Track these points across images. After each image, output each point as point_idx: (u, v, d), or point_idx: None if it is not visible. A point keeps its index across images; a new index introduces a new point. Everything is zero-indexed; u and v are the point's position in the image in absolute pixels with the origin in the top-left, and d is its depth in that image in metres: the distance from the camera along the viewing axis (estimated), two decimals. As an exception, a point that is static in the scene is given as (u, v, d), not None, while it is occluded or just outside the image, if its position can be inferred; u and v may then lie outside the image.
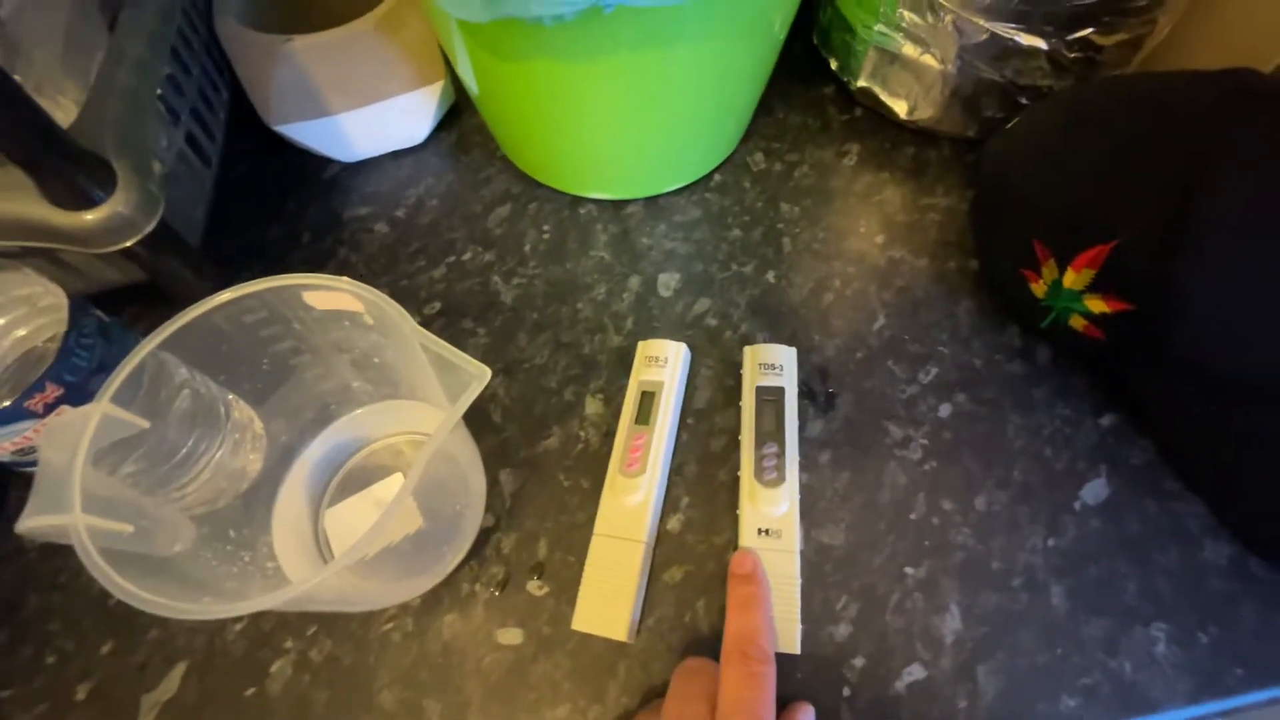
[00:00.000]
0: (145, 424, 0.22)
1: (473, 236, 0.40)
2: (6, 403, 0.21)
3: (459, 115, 0.45)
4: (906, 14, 0.35)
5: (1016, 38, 0.33)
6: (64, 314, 0.23)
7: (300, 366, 0.27)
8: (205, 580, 0.22)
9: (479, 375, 0.19)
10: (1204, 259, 0.26)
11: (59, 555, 0.31)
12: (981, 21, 0.33)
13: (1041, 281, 0.31)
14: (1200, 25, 0.37)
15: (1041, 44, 0.33)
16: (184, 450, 0.27)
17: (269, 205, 0.41)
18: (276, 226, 0.40)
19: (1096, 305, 0.30)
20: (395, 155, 0.43)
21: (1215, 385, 0.28)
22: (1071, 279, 0.30)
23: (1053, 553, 0.29)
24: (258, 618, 0.29)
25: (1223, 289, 0.26)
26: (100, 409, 0.20)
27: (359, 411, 0.31)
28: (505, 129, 0.39)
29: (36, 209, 0.24)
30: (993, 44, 0.34)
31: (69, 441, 0.19)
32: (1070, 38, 0.33)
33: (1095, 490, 0.31)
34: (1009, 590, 0.28)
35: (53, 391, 0.22)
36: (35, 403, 0.21)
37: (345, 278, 0.22)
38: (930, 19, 0.35)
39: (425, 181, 0.42)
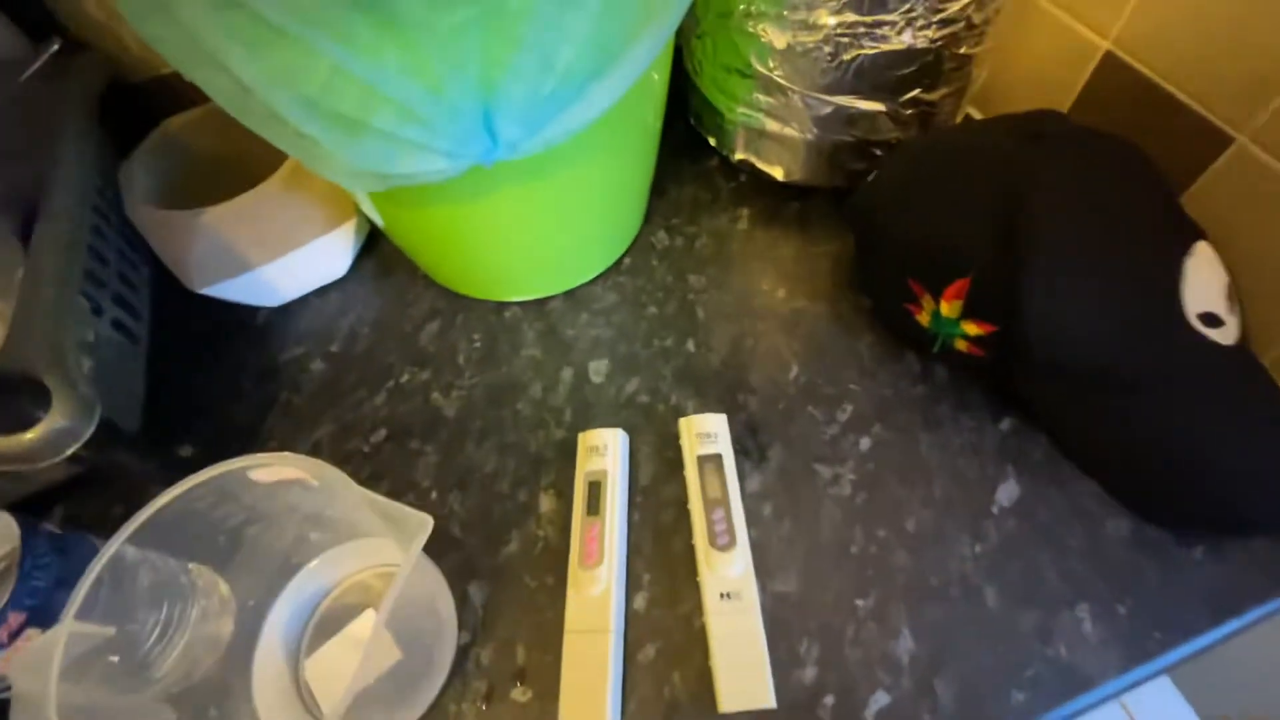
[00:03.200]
0: (111, 631, 0.23)
1: (408, 357, 0.42)
2: (-29, 639, 0.22)
3: (378, 240, 0.47)
4: (761, 97, 0.40)
5: (858, 105, 0.38)
6: (12, 541, 0.24)
7: (255, 534, 0.28)
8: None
9: (422, 526, 0.21)
10: (1036, 280, 0.30)
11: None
12: (824, 96, 0.38)
13: (924, 313, 0.35)
14: (1010, 71, 0.43)
15: (880, 107, 0.38)
16: (156, 626, 0.28)
17: (205, 362, 0.42)
18: (215, 381, 0.41)
19: (971, 329, 0.33)
20: (321, 291, 0.45)
21: (1078, 380, 0.32)
22: (946, 309, 0.34)
23: (981, 558, 0.32)
24: (252, 784, 0.29)
25: (1056, 301, 0.30)
26: (65, 630, 0.21)
27: (320, 558, 0.32)
28: (418, 256, 0.42)
29: (-24, 439, 0.25)
30: (838, 113, 0.38)
31: (39, 669, 0.20)
32: (902, 99, 0.38)
33: (1008, 491, 0.34)
34: (949, 600, 0.31)
35: (16, 620, 0.22)
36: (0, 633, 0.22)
37: (286, 453, 0.24)
38: (782, 99, 0.39)
39: (355, 311, 0.44)
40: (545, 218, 0.35)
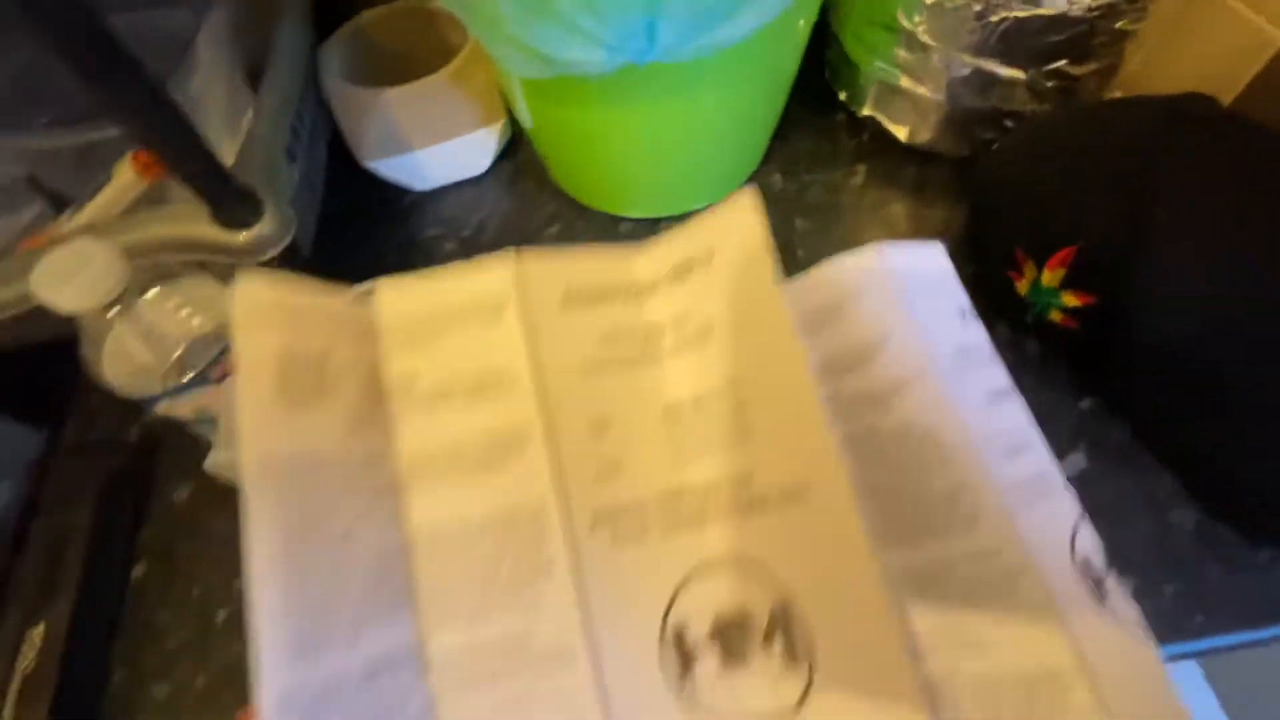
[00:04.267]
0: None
1: (528, 252, 0.46)
2: (194, 373, 0.28)
3: (515, 149, 0.52)
4: (901, 52, 0.41)
5: (997, 71, 0.38)
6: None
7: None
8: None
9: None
10: (1151, 256, 0.30)
11: (201, 512, 0.38)
12: (965, 58, 0.38)
13: (1024, 280, 0.36)
14: (1166, 56, 0.41)
15: (1020, 75, 0.38)
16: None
17: (358, 230, 0.49)
18: (364, 248, 0.48)
19: (1070, 299, 0.34)
20: (461, 184, 0.51)
21: (1184, 371, 0.32)
22: (1048, 277, 0.34)
23: (1033, 517, 0.33)
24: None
25: (1169, 278, 0.30)
26: (262, 376, 0.27)
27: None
28: (555, 159, 0.46)
29: (208, 230, 0.31)
30: (977, 77, 0.39)
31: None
32: (1046, 69, 0.38)
33: (1074, 463, 0.35)
34: (991, 547, 0.32)
35: (228, 365, 0.29)
36: (215, 373, 0.29)
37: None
38: (921, 55, 0.40)
39: (487, 206, 0.49)
40: (677, 133, 0.38)
